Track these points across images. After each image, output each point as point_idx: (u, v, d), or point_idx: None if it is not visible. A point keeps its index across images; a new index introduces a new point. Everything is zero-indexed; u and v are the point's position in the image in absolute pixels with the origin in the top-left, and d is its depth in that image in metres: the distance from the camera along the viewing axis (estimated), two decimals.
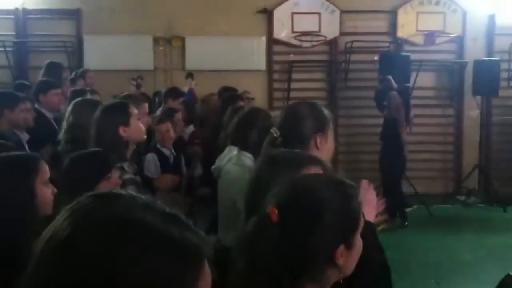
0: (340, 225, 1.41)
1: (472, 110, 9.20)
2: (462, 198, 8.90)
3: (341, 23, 9.13)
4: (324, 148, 2.40)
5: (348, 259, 1.43)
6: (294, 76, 9.12)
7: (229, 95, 5.76)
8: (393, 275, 5.93)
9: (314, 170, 1.75)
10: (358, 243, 1.46)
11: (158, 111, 5.50)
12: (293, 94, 8.94)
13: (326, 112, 2.50)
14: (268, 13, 9.12)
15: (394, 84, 7.91)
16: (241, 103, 5.18)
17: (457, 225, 7.66)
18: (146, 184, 3.79)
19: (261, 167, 1.89)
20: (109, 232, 0.78)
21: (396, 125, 7.40)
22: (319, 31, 9.11)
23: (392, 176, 7.49)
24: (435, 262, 6.23)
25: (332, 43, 9.28)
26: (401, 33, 9.27)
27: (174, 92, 6.21)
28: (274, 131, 2.38)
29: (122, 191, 0.88)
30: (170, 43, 8.97)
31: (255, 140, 2.89)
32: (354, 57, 9.17)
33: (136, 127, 3.23)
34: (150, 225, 0.80)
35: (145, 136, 3.53)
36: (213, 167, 3.32)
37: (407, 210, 7.78)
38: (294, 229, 1.37)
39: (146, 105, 4.16)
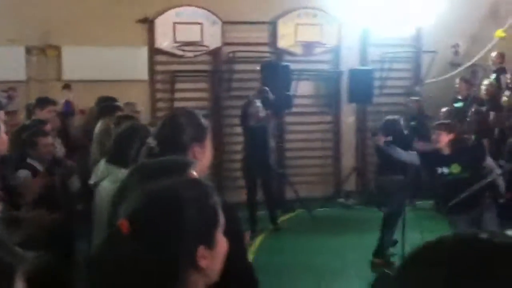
0: (198, 225, 1.32)
1: (348, 116, 9.69)
2: (342, 200, 9.29)
3: (223, 33, 9.24)
4: (203, 157, 2.38)
5: (212, 261, 1.34)
6: (178, 86, 9.09)
7: (105, 105, 5.57)
8: (277, 278, 6.08)
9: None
10: (221, 241, 1.38)
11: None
12: (177, 104, 8.90)
13: (204, 120, 2.49)
14: (149, 23, 9.01)
15: (271, 95, 8.11)
16: (119, 114, 5.05)
17: (338, 226, 7.97)
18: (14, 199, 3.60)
19: (128, 178, 1.81)
20: None
21: (265, 133, 7.67)
22: (202, 41, 9.15)
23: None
24: (318, 264, 6.44)
25: (214, 53, 9.35)
26: (281, 43, 9.55)
27: (41, 102, 5.82)
28: (151, 141, 2.34)
29: None
30: (45, 52, 8.58)
31: (134, 157, 2.83)
32: (236, 67, 9.32)
33: (3, 140, 3.05)
34: None
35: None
36: (90, 181, 3.22)
37: (291, 214, 8.01)
38: (149, 238, 1.27)
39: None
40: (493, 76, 8.89)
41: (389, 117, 6.90)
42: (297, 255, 6.77)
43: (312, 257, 6.66)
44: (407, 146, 6.63)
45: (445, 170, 5.38)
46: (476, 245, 0.79)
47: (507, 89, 8.34)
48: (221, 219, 1.39)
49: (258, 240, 7.34)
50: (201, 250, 1.31)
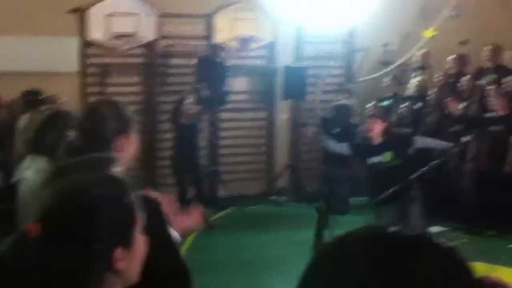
0: (113, 225, 1.27)
1: (283, 113, 9.76)
2: (274, 197, 9.34)
3: (158, 26, 9.08)
4: (128, 150, 2.33)
5: (130, 262, 1.29)
6: (111, 79, 8.87)
7: (30, 99, 5.39)
8: (210, 276, 6.04)
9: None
10: (139, 241, 1.33)
11: None
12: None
13: (129, 112, 2.43)
14: (81, 13, 8.74)
15: (206, 92, 8.07)
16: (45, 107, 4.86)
17: (270, 224, 8.04)
18: None
19: (48, 177, 1.76)
20: None
21: (195, 131, 7.65)
22: (136, 33, 8.96)
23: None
24: (250, 261, 6.47)
25: (149, 47, 9.18)
26: (218, 38, 9.49)
27: None
28: (72, 134, 2.27)
29: None
30: None
31: (55, 144, 2.73)
32: (172, 61, 9.19)
33: None
34: None
35: None
36: (13, 178, 3.10)
37: (224, 212, 8.00)
38: (62, 240, 1.21)
39: None
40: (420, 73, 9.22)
41: (341, 102, 7.01)
42: (229, 252, 6.78)
43: (244, 254, 6.69)
44: (352, 134, 6.79)
45: (377, 159, 5.53)
46: (382, 239, 0.80)
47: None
48: (140, 218, 1.34)
49: (190, 238, 7.29)
50: (118, 251, 1.26)
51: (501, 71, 8.43)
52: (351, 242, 0.81)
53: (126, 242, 1.29)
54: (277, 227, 7.82)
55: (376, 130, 5.58)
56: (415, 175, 5.51)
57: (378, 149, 5.57)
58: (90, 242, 1.23)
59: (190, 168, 7.67)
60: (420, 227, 5.41)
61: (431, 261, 0.76)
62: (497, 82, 8.12)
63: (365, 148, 5.82)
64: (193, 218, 2.38)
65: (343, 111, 7.14)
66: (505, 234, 7.28)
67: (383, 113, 6.27)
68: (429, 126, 8.29)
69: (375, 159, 5.56)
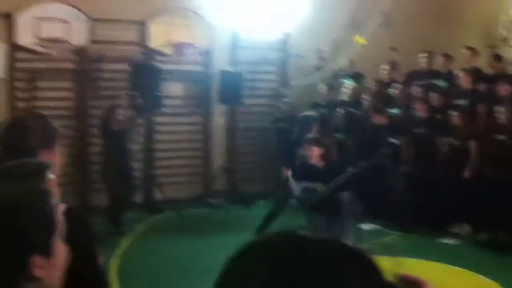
0: (31, 233, 1.24)
1: (219, 117, 9.82)
2: (211, 200, 9.36)
3: (90, 31, 8.93)
4: (53, 164, 2.31)
5: (50, 270, 1.26)
6: (40, 85, 8.65)
7: None
8: (145, 282, 6.00)
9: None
10: (60, 250, 1.30)
11: None
12: (39, 103, 8.47)
13: (54, 124, 2.41)
14: (9, 18, 8.48)
15: (139, 99, 8.03)
16: None
17: (207, 227, 8.03)
18: None
19: None
20: None
21: (124, 138, 7.61)
22: (67, 39, 8.78)
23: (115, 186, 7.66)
24: (186, 265, 6.45)
25: (80, 52, 9.01)
26: (152, 43, 9.43)
27: None
28: None
29: None
30: None
31: None
32: (104, 66, 9.05)
33: None
34: None
35: None
36: None
37: (159, 216, 7.96)
38: None
39: None
40: (352, 80, 9.50)
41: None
42: (165, 257, 6.73)
43: (180, 258, 6.66)
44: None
45: (312, 185, 5.64)
46: (293, 243, 0.81)
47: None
48: (60, 226, 1.32)
49: (125, 243, 7.22)
50: (36, 259, 1.23)
51: (433, 75, 8.80)
52: (262, 245, 0.82)
53: (45, 250, 1.27)
54: (214, 230, 7.84)
55: (315, 155, 5.71)
56: (344, 176, 5.67)
57: (318, 174, 5.67)
58: (6, 250, 1.22)
59: (121, 174, 7.60)
60: (349, 228, 5.59)
61: (341, 264, 0.78)
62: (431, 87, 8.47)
63: (304, 171, 5.90)
64: None
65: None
66: (435, 231, 7.62)
67: (321, 138, 6.39)
68: (364, 132, 8.54)
69: (310, 185, 5.67)
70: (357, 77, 9.60)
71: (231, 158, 9.82)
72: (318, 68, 10.21)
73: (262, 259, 0.79)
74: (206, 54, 9.81)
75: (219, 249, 6.96)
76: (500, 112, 7.23)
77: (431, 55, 8.93)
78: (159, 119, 9.35)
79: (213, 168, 9.73)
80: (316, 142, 5.86)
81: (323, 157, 5.76)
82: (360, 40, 9.98)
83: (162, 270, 6.26)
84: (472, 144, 7.43)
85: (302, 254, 0.78)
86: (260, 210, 8.22)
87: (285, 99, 9.63)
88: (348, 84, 9.37)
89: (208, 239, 7.36)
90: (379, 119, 8.14)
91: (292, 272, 0.76)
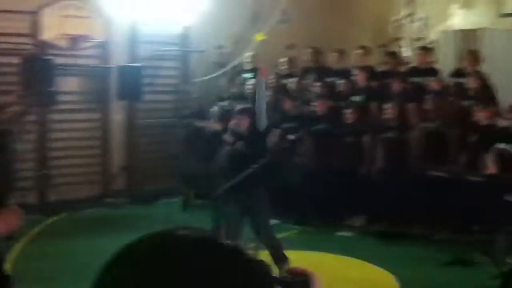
0: None
1: (117, 113, 9.54)
2: (111, 200, 9.13)
3: None
4: None
5: None
6: None
7: None
8: (40, 285, 5.74)
9: None
10: None
11: None
12: None
13: None
14: None
15: (29, 92, 7.65)
16: None
17: (107, 227, 7.81)
18: None
19: None
20: None
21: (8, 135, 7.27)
22: None
23: None
24: (83, 267, 6.22)
25: None
26: (45, 36, 8.98)
27: None
28: None
29: None
30: None
31: None
32: None
33: None
34: None
35: None
36: None
37: (55, 217, 7.63)
38: None
39: None
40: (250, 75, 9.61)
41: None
42: (62, 259, 6.48)
43: (79, 260, 6.43)
44: None
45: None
46: (169, 241, 0.82)
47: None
48: None
49: (19, 245, 6.87)
50: None
51: (321, 71, 9.06)
52: (132, 250, 0.82)
53: None
54: (115, 230, 7.62)
55: (244, 125, 5.75)
56: (246, 172, 5.71)
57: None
58: None
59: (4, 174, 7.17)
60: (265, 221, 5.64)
61: (215, 264, 0.78)
62: (319, 81, 8.73)
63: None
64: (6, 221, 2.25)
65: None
66: (333, 225, 7.90)
67: (251, 108, 6.52)
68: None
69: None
70: (254, 71, 9.71)
71: (131, 156, 9.58)
72: (220, 64, 10.22)
73: (133, 264, 0.79)
74: (104, 48, 9.50)
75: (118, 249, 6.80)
76: (389, 108, 7.59)
77: (317, 51, 9.19)
78: (53, 116, 8.92)
79: (113, 166, 9.46)
80: (245, 112, 5.88)
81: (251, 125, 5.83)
82: (259, 36, 10.09)
83: (58, 272, 6.02)
84: (366, 140, 7.77)
85: (173, 256, 0.78)
86: (163, 208, 8.12)
87: (188, 95, 9.52)
88: (250, 79, 9.47)
89: (109, 240, 7.15)
90: (287, 105, 8.22)
91: (163, 274, 0.76)
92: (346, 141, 7.97)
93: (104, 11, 9.31)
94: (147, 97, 9.63)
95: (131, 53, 9.70)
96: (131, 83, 9.08)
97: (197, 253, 0.79)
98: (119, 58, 9.45)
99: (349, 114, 7.87)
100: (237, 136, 5.70)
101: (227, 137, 5.83)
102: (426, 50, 8.26)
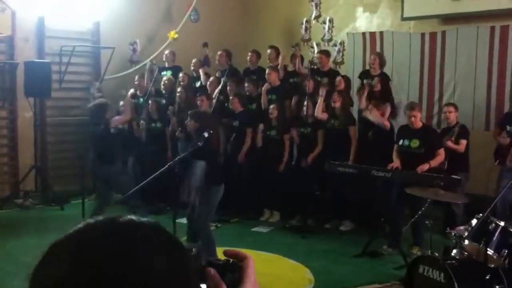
0: None
1: (25, 111, 9.18)
2: (19, 201, 8.78)
3: None
4: None
5: None
6: None
7: None
8: None
9: None
10: None
11: None
12: None
13: None
14: None
15: None
16: None
17: (16, 229, 7.55)
18: None
19: None
20: None
21: None
22: None
23: None
24: None
25: None
26: None
27: None
28: None
29: None
30: None
31: None
32: None
33: None
34: None
35: None
36: None
37: None
38: None
39: None
40: (168, 72, 9.62)
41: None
42: None
43: None
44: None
45: None
46: (110, 228, 0.82)
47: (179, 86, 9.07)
48: None
49: None
50: None
51: (232, 72, 9.24)
52: (63, 243, 0.82)
53: None
54: (25, 232, 7.39)
55: (193, 127, 6.03)
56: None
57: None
58: None
59: None
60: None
61: (148, 251, 0.79)
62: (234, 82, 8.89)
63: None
64: None
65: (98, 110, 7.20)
66: (247, 220, 8.10)
67: (200, 112, 6.79)
68: (177, 122, 8.68)
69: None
70: (173, 69, 9.72)
71: (41, 155, 9.25)
72: (132, 61, 10.11)
73: (64, 257, 0.78)
74: (9, 42, 9.11)
75: (32, 251, 6.59)
76: (303, 106, 7.89)
77: (227, 53, 9.37)
78: None
79: (22, 166, 9.09)
80: (194, 115, 6.12)
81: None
82: (172, 34, 10.10)
83: None
84: (285, 137, 8.04)
85: (101, 245, 0.79)
86: (75, 209, 7.93)
87: (95, 92, 9.32)
88: (164, 77, 9.47)
89: (20, 242, 6.93)
90: (203, 104, 8.30)
91: (93, 265, 0.76)
92: (268, 137, 8.15)
93: (8, 4, 8.93)
94: (57, 93, 9.36)
95: (38, 48, 9.37)
96: (39, 79, 8.78)
97: (128, 241, 0.80)
98: (26, 54, 9.10)
99: (270, 111, 8.05)
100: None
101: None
102: (325, 53, 8.62)
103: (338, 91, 7.78)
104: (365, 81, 8.07)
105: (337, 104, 7.65)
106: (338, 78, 8.09)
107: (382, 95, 7.74)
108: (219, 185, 5.86)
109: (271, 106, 8.09)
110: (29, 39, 9.27)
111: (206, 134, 5.80)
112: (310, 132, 7.88)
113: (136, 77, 9.47)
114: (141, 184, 5.65)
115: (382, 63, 8.10)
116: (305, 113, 7.85)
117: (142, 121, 8.91)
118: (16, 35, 9.10)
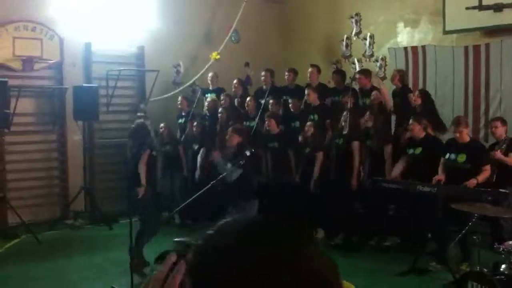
0: None
1: (74, 134, 9.49)
2: (70, 221, 9.04)
3: None
4: None
5: None
6: None
7: None
8: None
9: None
10: None
11: None
12: None
13: None
14: None
15: None
16: None
17: (66, 248, 7.76)
18: None
19: None
20: None
21: None
22: None
23: None
24: None
25: None
26: None
27: None
28: None
29: None
30: None
31: None
32: None
33: None
34: None
35: None
36: None
37: (15, 241, 7.51)
38: None
39: None
40: (212, 94, 9.77)
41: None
42: (23, 282, 6.42)
43: (41, 282, 6.40)
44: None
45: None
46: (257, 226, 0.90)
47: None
48: None
49: None
50: None
51: (275, 90, 9.29)
52: (228, 231, 0.87)
53: None
54: (75, 251, 7.60)
55: (235, 142, 6.44)
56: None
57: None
58: None
59: None
60: None
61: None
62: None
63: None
64: None
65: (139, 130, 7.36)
66: None
67: (242, 127, 7.33)
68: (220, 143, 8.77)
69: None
70: (216, 91, 9.85)
71: (89, 176, 9.52)
72: (176, 83, 10.32)
73: (229, 244, 0.85)
74: (58, 68, 9.45)
75: (81, 270, 6.82)
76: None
77: (271, 73, 9.44)
78: (9, 138, 8.77)
79: (71, 188, 9.36)
80: (236, 130, 6.55)
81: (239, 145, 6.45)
82: (214, 55, 10.27)
83: None
84: (320, 155, 8.00)
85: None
86: (123, 228, 8.10)
87: (141, 114, 9.52)
88: (208, 98, 9.61)
89: (70, 261, 7.13)
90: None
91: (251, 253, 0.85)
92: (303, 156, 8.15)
93: (57, 31, 9.28)
94: (104, 116, 9.63)
95: (85, 73, 9.68)
96: (87, 103, 9.08)
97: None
98: (74, 78, 9.42)
99: (308, 128, 8.04)
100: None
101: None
102: (364, 73, 8.57)
103: (370, 111, 7.75)
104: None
105: (369, 124, 7.61)
106: (374, 93, 8.10)
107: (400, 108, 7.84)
108: (254, 199, 5.97)
109: (308, 124, 8.09)
110: (77, 64, 9.59)
111: (248, 153, 5.88)
112: (343, 143, 7.77)
113: (180, 98, 9.66)
114: (185, 203, 5.74)
115: (402, 78, 8.22)
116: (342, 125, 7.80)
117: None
118: (64, 61, 9.42)
